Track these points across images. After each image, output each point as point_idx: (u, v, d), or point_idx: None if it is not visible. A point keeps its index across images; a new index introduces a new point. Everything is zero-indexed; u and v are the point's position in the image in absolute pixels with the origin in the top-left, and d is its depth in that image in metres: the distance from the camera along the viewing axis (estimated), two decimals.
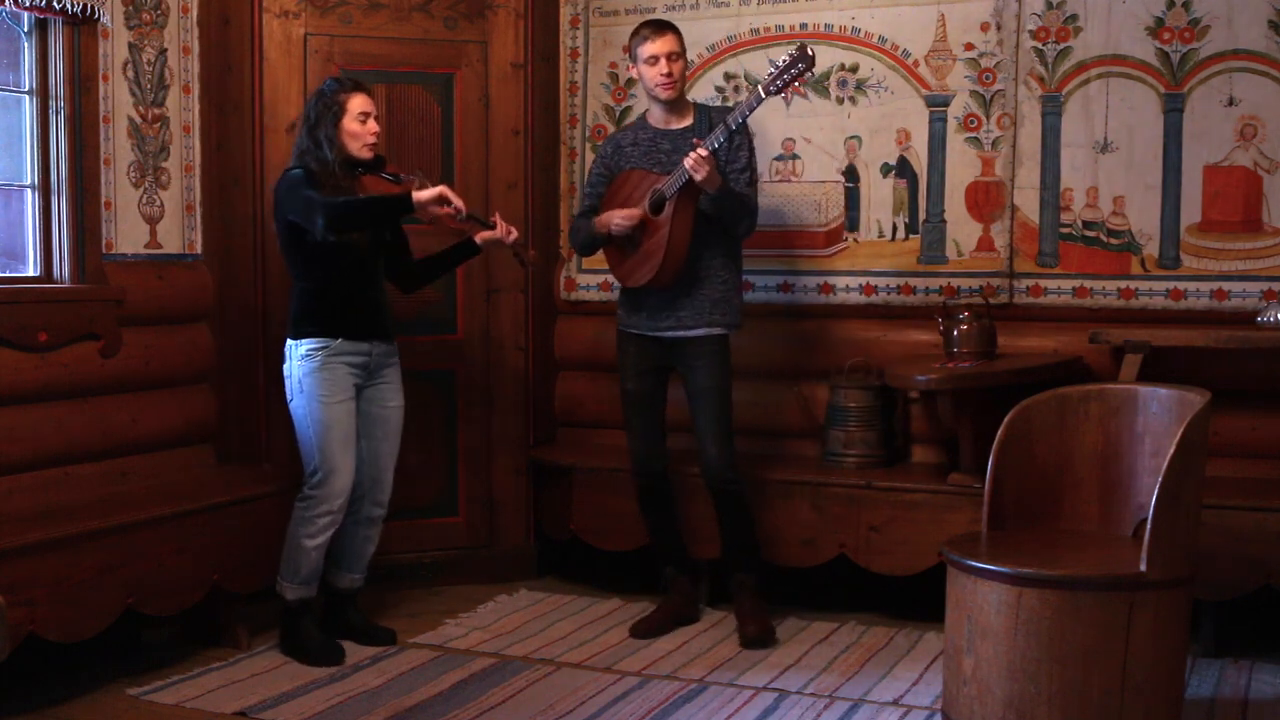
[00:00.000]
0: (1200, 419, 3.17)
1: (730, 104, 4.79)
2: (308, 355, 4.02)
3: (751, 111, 3.98)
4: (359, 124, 4.03)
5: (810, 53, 3.92)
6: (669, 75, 4.16)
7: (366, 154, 4.06)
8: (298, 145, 4.07)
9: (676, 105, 4.25)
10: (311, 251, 3.99)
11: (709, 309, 4.20)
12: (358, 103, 4.03)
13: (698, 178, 3.95)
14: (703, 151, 3.93)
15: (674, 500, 4.44)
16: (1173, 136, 4.34)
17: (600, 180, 4.36)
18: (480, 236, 4.23)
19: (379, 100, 4.69)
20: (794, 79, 3.93)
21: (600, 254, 5.05)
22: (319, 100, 4.06)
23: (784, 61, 3.94)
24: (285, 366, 4.10)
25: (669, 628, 4.33)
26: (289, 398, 4.10)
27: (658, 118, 4.28)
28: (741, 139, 4.16)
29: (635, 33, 4.23)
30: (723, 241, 4.21)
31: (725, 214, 4.12)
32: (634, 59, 4.23)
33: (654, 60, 4.15)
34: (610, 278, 5.04)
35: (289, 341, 4.08)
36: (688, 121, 4.24)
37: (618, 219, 4.17)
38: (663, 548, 4.48)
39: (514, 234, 4.21)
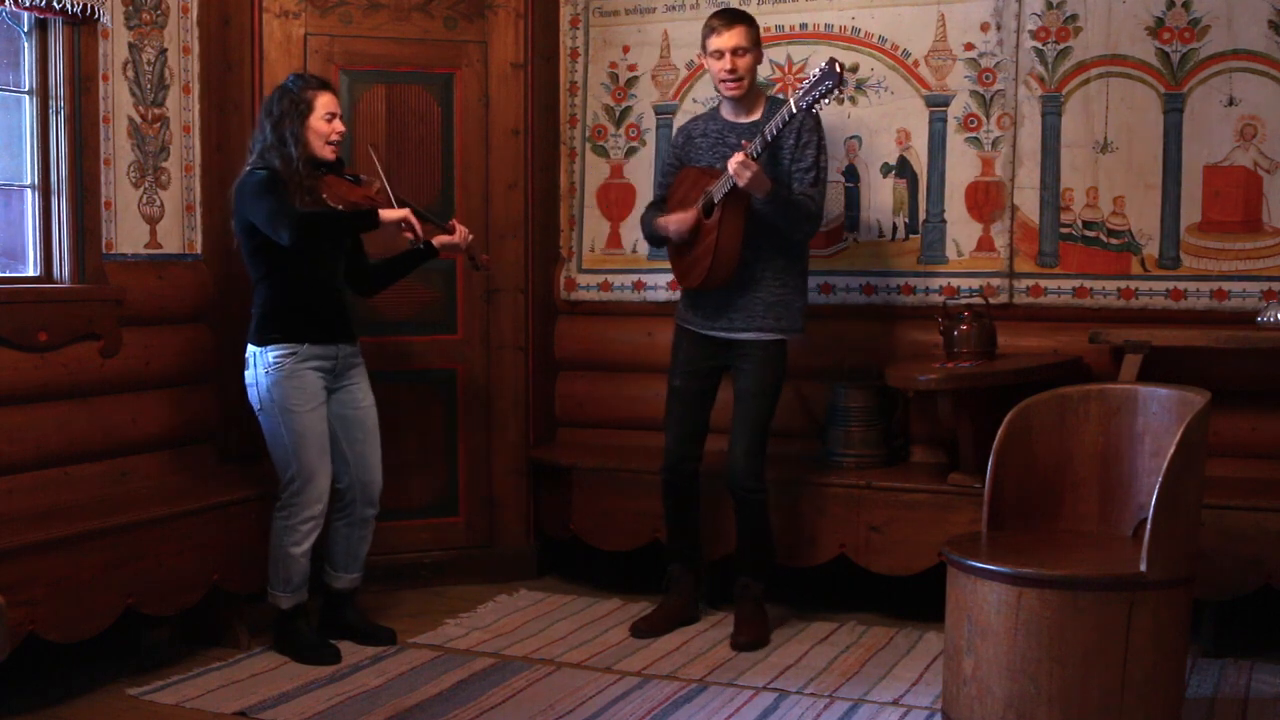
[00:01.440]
0: (1200, 419, 3.17)
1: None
2: (275, 364, 3.96)
3: (784, 125, 3.89)
4: (325, 122, 3.99)
5: (839, 70, 3.79)
6: (733, 71, 4.06)
7: (329, 153, 4.01)
8: (257, 140, 4.00)
9: (745, 99, 4.15)
10: (274, 255, 3.93)
11: (762, 313, 4.13)
12: (325, 101, 4.00)
13: (740, 183, 3.88)
14: (740, 156, 3.85)
15: (698, 501, 4.39)
16: (1173, 136, 4.34)
17: (670, 171, 4.32)
18: (438, 240, 4.17)
19: (379, 100, 4.72)
20: (822, 95, 3.81)
21: (601, 254, 5.07)
22: (284, 96, 3.99)
23: (814, 76, 3.83)
24: (249, 374, 4.01)
25: (669, 627, 4.32)
26: (256, 406, 4.03)
27: (727, 110, 4.21)
28: (809, 136, 4.06)
29: (706, 23, 4.14)
30: (779, 244, 4.12)
31: (777, 219, 4.02)
32: (703, 50, 4.16)
33: (719, 55, 4.06)
34: (611, 278, 5.06)
35: (252, 348, 4.00)
36: (757, 115, 4.15)
37: (673, 225, 4.14)
38: (675, 544, 4.44)
39: (470, 237, 4.21)
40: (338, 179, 4.05)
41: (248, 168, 3.98)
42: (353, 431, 4.15)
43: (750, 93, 4.15)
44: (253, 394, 4.03)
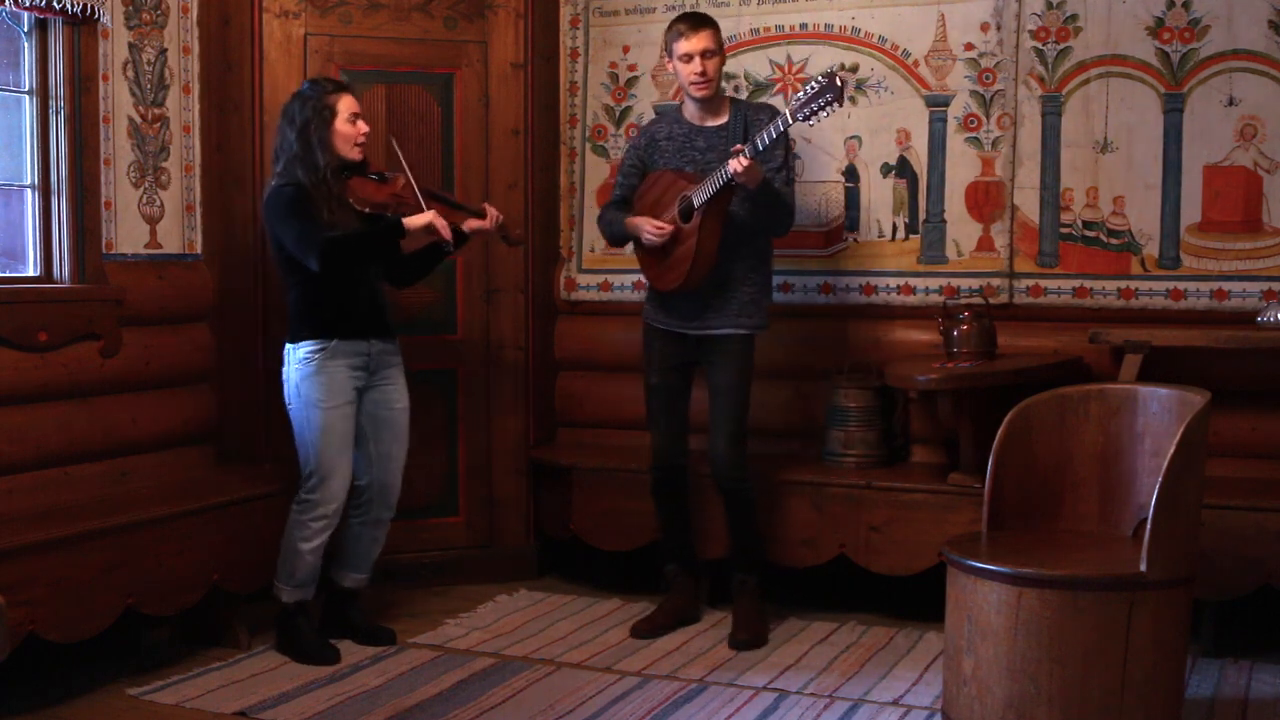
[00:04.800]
0: (1200, 419, 3.17)
1: (748, 98, 4.76)
2: (305, 359, 4.00)
3: (778, 135, 3.91)
4: (350, 125, 4.01)
5: (840, 84, 3.80)
6: (702, 74, 4.11)
7: (355, 155, 4.04)
8: (281, 150, 4.00)
9: (711, 102, 4.20)
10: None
11: (736, 311, 4.18)
12: (347, 104, 4.02)
13: (751, 185, 3.92)
14: (745, 161, 3.87)
15: (688, 497, 4.41)
16: (1173, 136, 4.34)
17: (633, 172, 4.34)
18: (469, 225, 4.17)
19: (379, 100, 4.72)
20: (820, 108, 3.82)
21: (602, 254, 5.07)
22: (304, 103, 4.00)
23: (812, 88, 3.83)
24: (284, 370, 4.08)
25: (670, 627, 4.32)
26: (287, 401, 4.08)
27: (692, 113, 4.25)
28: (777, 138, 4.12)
29: (671, 27, 4.18)
30: (752, 246, 4.19)
31: (766, 211, 4.08)
32: (669, 54, 4.19)
33: (688, 58, 4.11)
34: (611, 278, 5.06)
35: (287, 345, 4.06)
36: (723, 119, 4.20)
37: (648, 230, 4.13)
38: (670, 544, 4.46)
39: (499, 217, 4.19)
40: (362, 180, 4.06)
41: (274, 181, 4.00)
42: (381, 431, 4.17)
43: (716, 95, 4.21)
44: (285, 390, 4.08)
